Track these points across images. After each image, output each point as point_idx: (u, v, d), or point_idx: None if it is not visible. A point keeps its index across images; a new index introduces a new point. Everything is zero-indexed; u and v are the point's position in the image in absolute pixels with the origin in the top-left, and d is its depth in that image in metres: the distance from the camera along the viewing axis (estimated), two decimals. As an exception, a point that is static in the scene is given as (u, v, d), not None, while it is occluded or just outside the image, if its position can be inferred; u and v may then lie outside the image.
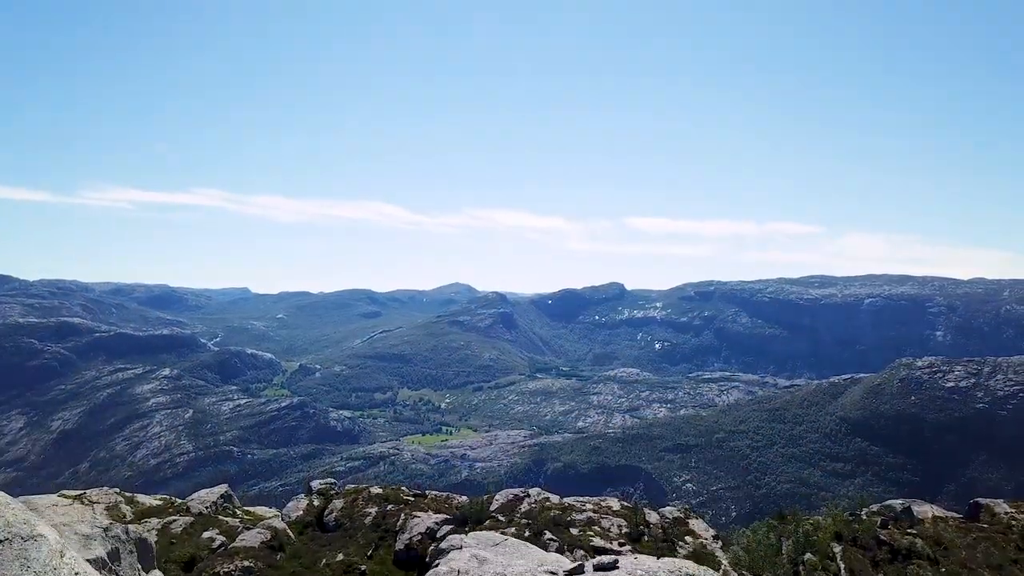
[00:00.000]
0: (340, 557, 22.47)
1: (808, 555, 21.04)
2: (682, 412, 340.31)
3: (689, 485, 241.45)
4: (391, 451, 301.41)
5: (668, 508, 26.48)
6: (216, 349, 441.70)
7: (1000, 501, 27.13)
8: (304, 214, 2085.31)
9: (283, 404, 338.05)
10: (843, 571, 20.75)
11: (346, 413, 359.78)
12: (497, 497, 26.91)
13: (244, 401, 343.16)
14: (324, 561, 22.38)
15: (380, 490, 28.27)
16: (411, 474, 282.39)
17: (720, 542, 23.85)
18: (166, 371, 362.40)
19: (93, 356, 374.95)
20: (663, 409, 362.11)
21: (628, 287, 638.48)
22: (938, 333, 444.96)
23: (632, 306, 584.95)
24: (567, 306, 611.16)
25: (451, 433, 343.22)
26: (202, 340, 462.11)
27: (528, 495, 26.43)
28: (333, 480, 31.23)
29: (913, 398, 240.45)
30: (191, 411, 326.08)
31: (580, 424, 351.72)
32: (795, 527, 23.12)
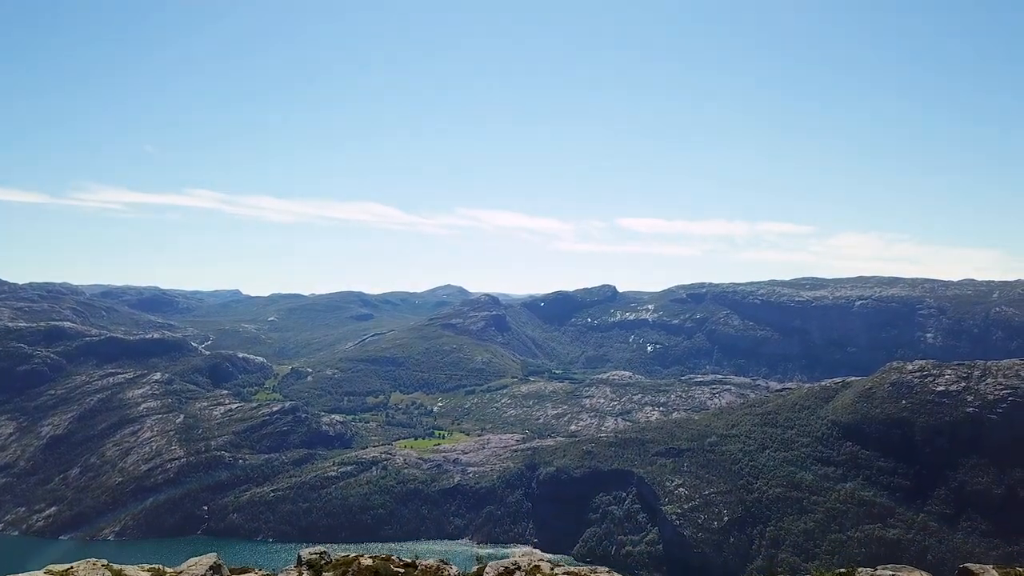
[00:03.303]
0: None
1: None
2: (674, 415, 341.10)
3: (681, 490, 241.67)
4: (383, 456, 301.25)
5: None
6: (207, 353, 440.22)
7: (989, 567, 27.25)
8: (296, 214, 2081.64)
9: (275, 408, 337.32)
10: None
11: (338, 417, 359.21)
12: (488, 570, 26.85)
13: (236, 405, 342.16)
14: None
15: (370, 561, 28.15)
16: (403, 479, 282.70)
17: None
18: (157, 375, 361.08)
19: (83, 360, 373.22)
20: (655, 412, 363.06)
21: (620, 289, 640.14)
22: (928, 335, 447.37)
23: (624, 308, 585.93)
24: (559, 308, 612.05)
25: (444, 437, 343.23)
26: (193, 344, 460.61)
27: (519, 566, 26.33)
28: (324, 549, 31.08)
29: (904, 402, 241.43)
30: (182, 416, 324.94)
31: (573, 427, 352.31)
32: None
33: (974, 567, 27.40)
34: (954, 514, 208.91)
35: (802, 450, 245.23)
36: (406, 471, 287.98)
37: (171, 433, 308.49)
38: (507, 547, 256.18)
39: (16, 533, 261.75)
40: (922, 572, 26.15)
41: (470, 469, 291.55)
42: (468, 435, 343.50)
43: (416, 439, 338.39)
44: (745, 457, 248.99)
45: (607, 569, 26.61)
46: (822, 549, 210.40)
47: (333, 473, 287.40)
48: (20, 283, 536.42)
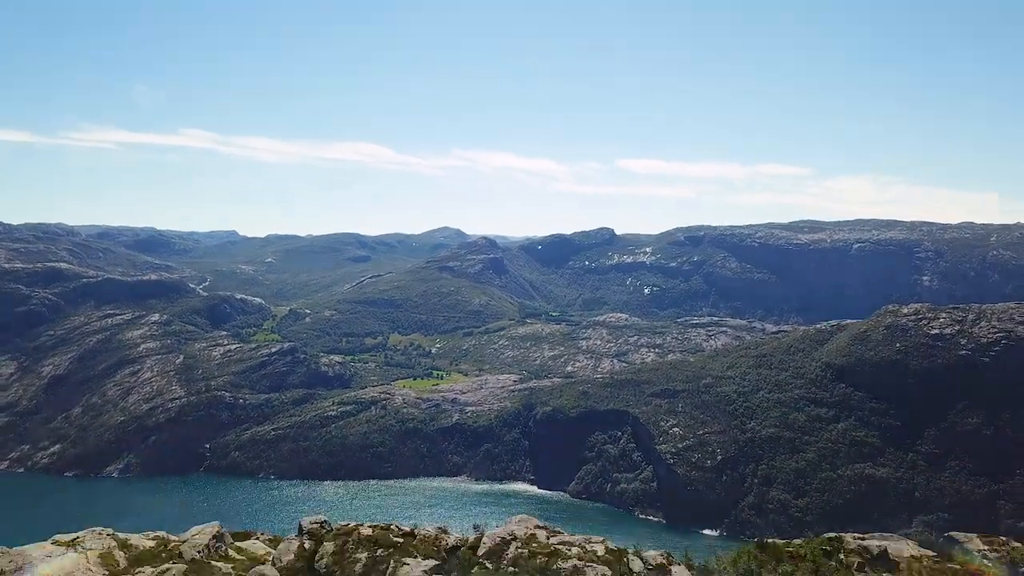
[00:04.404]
0: (331, 610, 23.08)
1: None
2: (670, 357, 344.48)
3: (676, 429, 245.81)
4: (382, 395, 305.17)
5: (651, 553, 26.80)
6: (205, 294, 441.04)
7: (974, 536, 27.65)
8: (290, 155, 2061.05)
9: (274, 349, 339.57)
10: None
11: (337, 358, 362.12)
12: (484, 540, 27.27)
13: (235, 346, 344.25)
14: (316, 615, 23.11)
15: (370, 531, 28.55)
16: (402, 418, 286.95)
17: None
18: (155, 316, 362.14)
19: (81, 302, 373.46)
20: (651, 354, 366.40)
21: (618, 232, 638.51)
22: (925, 278, 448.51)
23: (622, 251, 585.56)
24: (557, 251, 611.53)
25: (442, 378, 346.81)
26: (191, 285, 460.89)
27: (515, 537, 26.73)
28: (324, 518, 31.51)
29: (898, 345, 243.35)
30: (182, 356, 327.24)
31: (569, 368, 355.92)
32: (775, 565, 23.68)
33: (958, 535, 27.83)
34: (943, 454, 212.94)
35: (796, 392, 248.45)
36: (405, 410, 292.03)
37: (171, 373, 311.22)
38: (504, 484, 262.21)
39: (21, 470, 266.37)
40: (908, 540, 26.58)
41: (468, 408, 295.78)
42: (466, 376, 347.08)
43: (415, 379, 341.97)
44: (739, 398, 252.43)
45: (602, 538, 27.12)
46: (812, 487, 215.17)
47: (333, 413, 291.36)
48: (14, 224, 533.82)
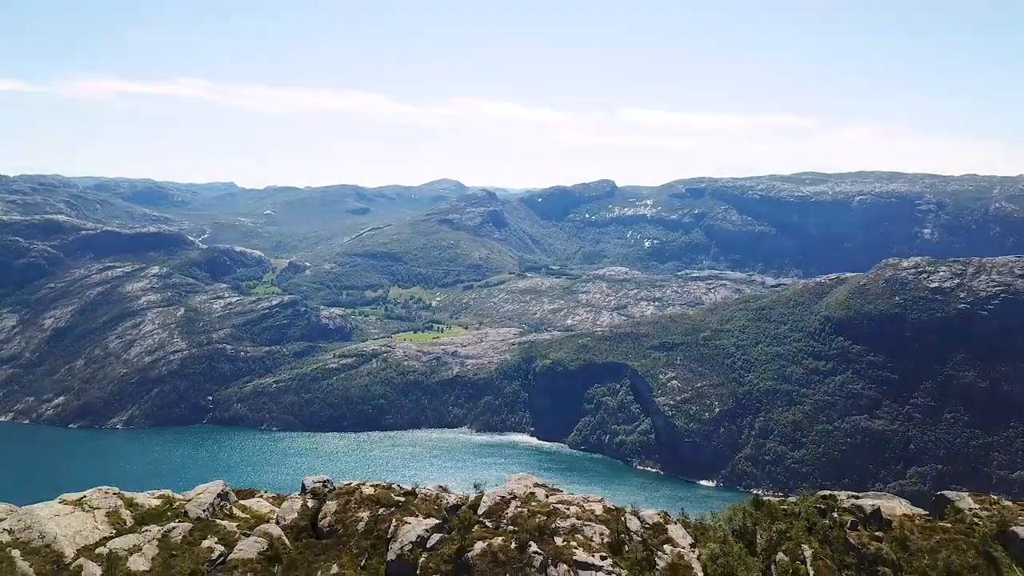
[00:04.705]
0: (334, 570, 23.47)
1: (780, 555, 22.13)
2: (669, 310, 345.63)
3: (674, 382, 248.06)
4: (383, 348, 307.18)
5: (648, 512, 27.14)
6: (204, 247, 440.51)
7: (965, 495, 28.02)
8: (288, 104, 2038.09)
9: (274, 302, 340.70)
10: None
11: (337, 311, 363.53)
12: (484, 499, 27.62)
13: (235, 299, 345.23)
14: (319, 574, 23.44)
15: (372, 490, 28.90)
16: (403, 371, 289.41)
17: (697, 551, 24.58)
18: (155, 269, 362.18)
19: (81, 254, 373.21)
20: (651, 307, 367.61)
21: (619, 184, 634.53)
22: (926, 231, 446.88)
23: (622, 203, 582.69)
24: (557, 204, 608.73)
25: (442, 331, 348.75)
26: (190, 237, 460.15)
27: (515, 496, 27.05)
28: (327, 477, 31.88)
29: (897, 298, 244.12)
30: (183, 309, 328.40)
31: (569, 322, 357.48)
32: (769, 522, 24.03)
33: (951, 494, 28.23)
34: (938, 406, 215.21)
35: (794, 345, 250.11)
36: (406, 363, 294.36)
37: (172, 326, 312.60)
38: (504, 435, 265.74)
39: (27, 422, 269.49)
40: (901, 499, 26.97)
41: (468, 361, 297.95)
42: (466, 329, 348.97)
43: (415, 332, 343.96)
44: (738, 351, 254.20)
45: (600, 497, 27.52)
46: (809, 439, 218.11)
47: (334, 365, 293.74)
48: (11, 175, 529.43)
